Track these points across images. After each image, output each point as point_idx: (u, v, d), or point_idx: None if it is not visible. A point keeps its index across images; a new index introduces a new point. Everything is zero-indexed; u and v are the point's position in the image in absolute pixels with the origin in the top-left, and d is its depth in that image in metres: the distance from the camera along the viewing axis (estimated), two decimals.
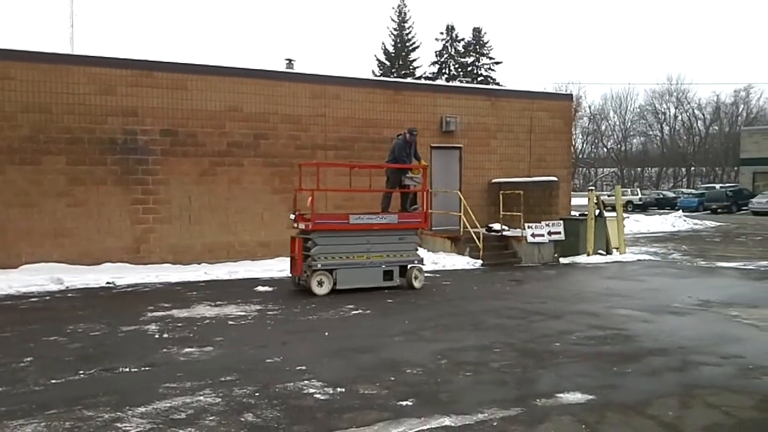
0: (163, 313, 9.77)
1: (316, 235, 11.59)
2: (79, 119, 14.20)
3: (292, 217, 12.08)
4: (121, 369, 6.78)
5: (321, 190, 12.33)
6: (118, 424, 5.14)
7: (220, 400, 5.75)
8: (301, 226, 11.86)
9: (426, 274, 12.92)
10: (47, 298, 11.32)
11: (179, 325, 8.99)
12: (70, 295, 11.66)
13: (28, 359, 7.12)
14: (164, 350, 7.57)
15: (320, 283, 11.45)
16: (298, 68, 20.76)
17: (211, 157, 15.55)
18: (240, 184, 15.95)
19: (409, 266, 12.34)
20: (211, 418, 5.30)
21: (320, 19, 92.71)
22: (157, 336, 8.32)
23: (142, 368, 6.82)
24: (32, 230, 13.80)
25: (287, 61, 21.04)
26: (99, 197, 14.37)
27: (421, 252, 16.70)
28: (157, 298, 11.13)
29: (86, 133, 14.27)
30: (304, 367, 6.79)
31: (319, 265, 11.47)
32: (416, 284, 12.28)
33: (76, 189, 14.19)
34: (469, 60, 61.23)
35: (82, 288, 12.26)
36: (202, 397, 5.81)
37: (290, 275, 12.35)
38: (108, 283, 12.75)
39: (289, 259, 12.42)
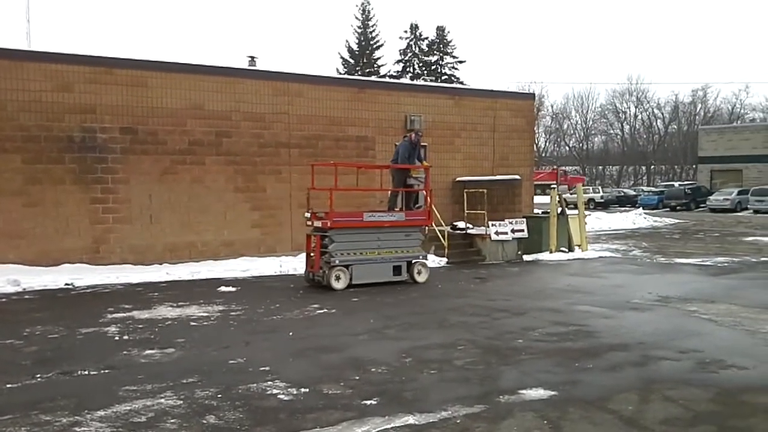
0: (124, 315, 9.59)
1: (333, 233, 12.11)
2: (35, 117, 13.85)
3: (307, 215, 12.58)
4: (79, 372, 6.64)
5: (338, 190, 12.93)
6: (77, 429, 5.04)
7: (181, 402, 5.67)
8: (317, 224, 12.38)
9: None
10: (3, 300, 11.03)
11: (140, 326, 8.83)
12: (27, 297, 11.38)
13: None
14: (124, 352, 7.43)
15: (338, 278, 11.98)
16: (260, 65, 20.55)
17: (173, 155, 15.32)
18: (202, 182, 15.74)
19: (413, 261, 12.87)
20: (172, 420, 5.22)
21: (283, 16, 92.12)
22: (117, 338, 8.16)
23: (102, 371, 6.69)
24: None
25: (250, 59, 20.79)
26: (57, 196, 14.04)
27: None
28: (117, 300, 10.92)
29: (43, 131, 13.92)
30: (267, 368, 6.73)
31: (336, 261, 12.00)
32: (419, 279, 12.84)
33: (32, 188, 13.84)
34: (433, 59, 61.50)
35: (39, 290, 11.97)
36: (163, 400, 5.72)
37: (305, 272, 12.80)
38: (66, 284, 12.47)
39: (253, 259, 12.41)
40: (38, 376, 6.50)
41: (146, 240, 15.00)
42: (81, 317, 9.38)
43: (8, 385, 6.17)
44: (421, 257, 13.06)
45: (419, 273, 12.92)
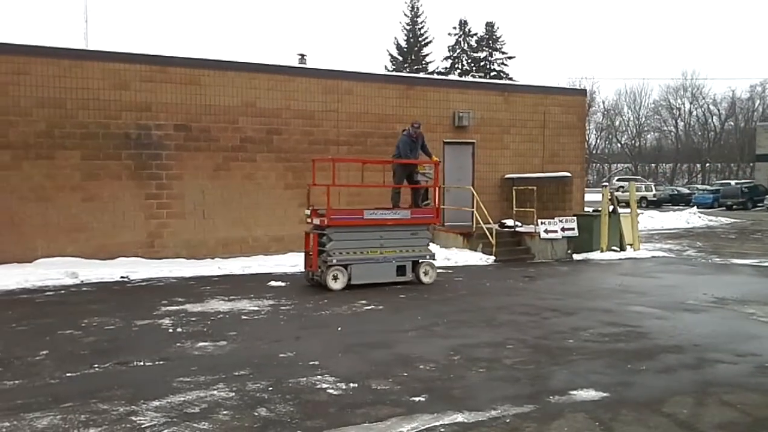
0: (177, 308, 9.82)
1: (331, 231, 11.62)
2: (94, 114, 14.29)
3: (308, 212, 12.11)
4: (135, 363, 6.82)
5: (336, 186, 12.34)
6: (133, 418, 5.17)
7: (233, 394, 5.78)
8: (316, 221, 11.89)
9: (438, 270, 12.91)
10: (62, 292, 11.41)
11: (193, 319, 9.04)
12: (85, 289, 11.74)
13: (44, 353, 7.18)
14: (178, 344, 7.61)
15: (335, 278, 11.49)
16: (310, 63, 20.75)
17: (225, 152, 15.60)
18: (253, 179, 15.99)
19: (420, 261, 12.36)
20: (225, 412, 5.33)
21: (333, 14, 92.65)
22: (171, 330, 8.36)
23: (157, 362, 6.86)
24: (48, 224, 13.91)
25: (300, 57, 21.02)
26: (113, 192, 14.46)
27: (433, 248, 16.72)
28: (171, 293, 11.19)
29: (101, 128, 14.35)
30: (317, 362, 6.80)
31: (334, 261, 11.51)
32: (426, 279, 12.29)
33: (90, 184, 14.28)
34: (482, 55, 61.06)
35: (96, 282, 12.34)
36: (215, 392, 5.83)
37: (304, 270, 12.37)
38: (122, 277, 12.83)
39: (303, 254, 12.42)
40: (96, 366, 6.70)
41: (199, 235, 15.32)
42: (136, 309, 9.64)
43: (68, 374, 6.39)
44: (428, 257, 12.48)
45: (426, 274, 12.36)
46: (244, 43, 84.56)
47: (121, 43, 76.25)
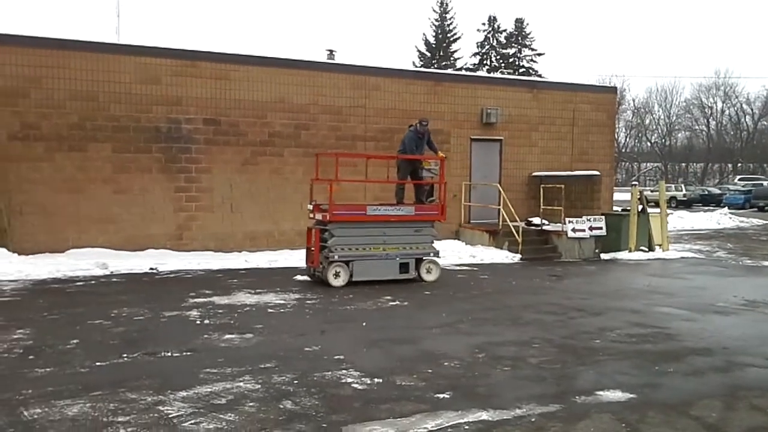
0: (205, 300, 9.94)
1: (333, 226, 11.53)
2: (125, 108, 14.48)
3: (310, 207, 12.02)
4: (163, 353, 6.92)
5: (338, 181, 12.09)
6: (161, 408, 5.25)
7: (259, 386, 5.83)
8: (318, 217, 11.80)
9: (463, 268, 12.91)
10: (93, 282, 11.60)
11: (220, 311, 9.13)
12: (114, 279, 11.93)
13: (75, 341, 7.32)
14: (205, 336, 7.70)
15: (337, 275, 11.39)
16: (339, 59, 20.79)
17: (253, 146, 15.72)
18: (281, 174, 16.08)
19: (424, 259, 12.21)
20: (251, 404, 5.38)
21: (362, 10, 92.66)
22: (198, 322, 8.47)
23: (184, 353, 6.95)
24: (79, 216, 14.15)
25: (328, 52, 21.08)
26: (143, 184, 14.66)
27: (459, 245, 16.76)
28: (198, 285, 11.31)
29: (132, 121, 14.55)
30: (341, 357, 6.84)
31: (336, 257, 11.39)
32: (428, 278, 12.14)
33: (121, 176, 14.49)
34: (511, 51, 60.66)
35: (126, 273, 12.53)
36: (242, 383, 5.90)
37: (306, 266, 12.27)
38: (151, 269, 13.01)
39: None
40: (125, 355, 6.81)
41: (227, 228, 15.46)
42: (164, 301, 9.78)
43: (97, 363, 6.50)
44: (431, 254, 12.31)
45: (429, 271, 12.21)
46: (274, 38, 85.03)
47: (151, 37, 77.15)
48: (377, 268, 11.78)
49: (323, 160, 13.18)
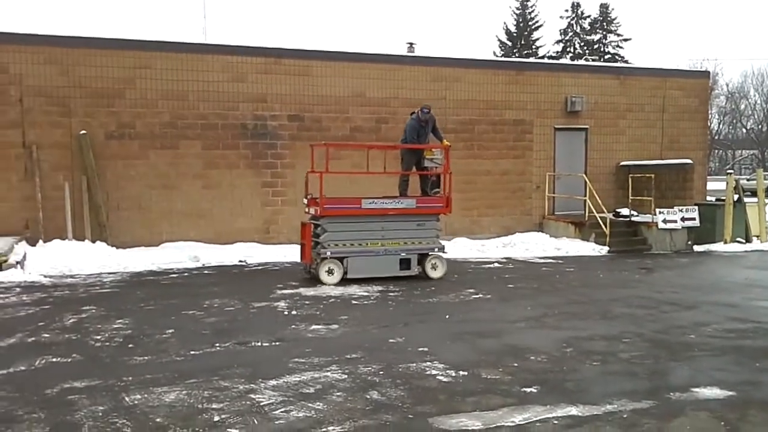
0: (292, 291, 10.17)
1: (325, 221, 11.00)
2: (213, 105, 14.98)
3: (305, 201, 11.49)
4: (253, 343, 7.14)
5: (329, 173, 11.48)
6: (252, 396, 5.42)
7: (346, 376, 5.93)
8: (312, 211, 11.27)
9: (548, 260, 12.67)
10: (185, 274, 12.08)
11: (306, 302, 9.33)
12: (206, 272, 12.38)
13: (170, 331, 7.64)
14: (293, 326, 7.88)
15: (330, 272, 10.87)
16: (419, 52, 20.75)
17: (335, 141, 15.92)
18: (362, 167, 16.18)
19: (428, 254, 11.58)
20: (338, 393, 5.48)
21: (442, 1, 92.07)
22: (286, 313, 8.68)
23: (273, 343, 7.14)
24: (172, 211, 14.75)
25: (408, 45, 21.08)
26: (232, 180, 15.12)
27: (543, 237, 16.45)
28: (285, 277, 11.58)
29: (220, 119, 15.03)
30: (426, 349, 6.85)
31: (328, 253, 10.88)
32: (434, 274, 11.51)
33: (210, 172, 15.00)
34: (596, 37, 58.86)
35: (216, 266, 12.98)
36: (329, 373, 6.01)
37: (301, 263, 11.77)
38: (240, 261, 13.42)
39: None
40: (217, 345, 7.06)
41: None
42: (253, 292, 10.07)
43: (192, 352, 6.77)
44: (436, 249, 11.59)
45: (434, 268, 11.53)
46: (355, 32, 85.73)
47: (236, 36, 79.35)
48: (375, 264, 11.17)
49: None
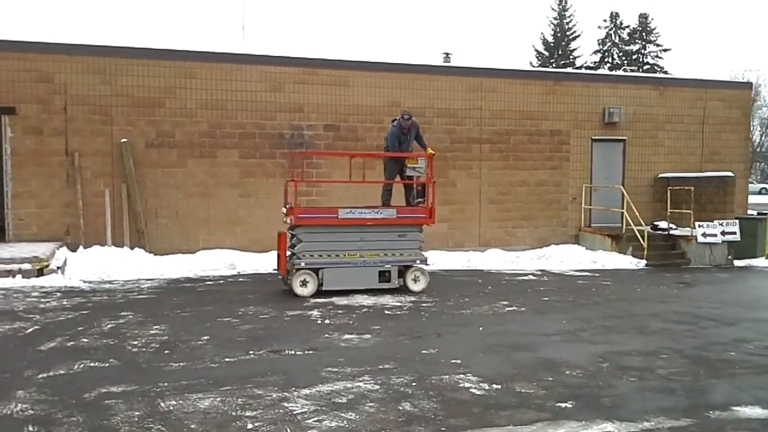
0: (325, 300, 10.20)
1: (300, 231, 10.66)
2: (251, 115, 15.17)
3: (284, 210, 11.19)
4: (286, 351, 7.17)
5: (303, 181, 11.29)
6: (285, 404, 5.44)
7: (378, 387, 5.92)
8: (288, 220, 10.96)
9: (584, 273, 12.51)
10: (221, 281, 12.22)
11: (339, 312, 9.36)
12: (241, 279, 12.51)
13: (205, 338, 7.72)
14: (326, 335, 7.91)
15: (304, 284, 10.56)
16: (455, 62, 20.78)
17: (370, 151, 15.97)
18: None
19: (410, 267, 11.17)
20: (370, 404, 5.47)
21: (477, 10, 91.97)
22: (319, 321, 8.71)
23: (306, 352, 7.17)
24: (209, 218, 14.96)
25: (444, 55, 21.15)
26: (267, 189, 15.26)
27: (579, 249, 16.25)
28: None
29: (257, 128, 15.22)
30: (459, 361, 6.81)
31: (302, 264, 10.55)
32: (415, 287, 11.09)
33: (247, 180, 15.18)
34: (634, 48, 58.12)
35: (251, 273, 13.10)
36: (361, 383, 6.01)
37: (276, 273, 11.63)
38: (275, 269, 13.49)
39: (440, 252, 12.29)
40: (251, 352, 7.12)
41: None
42: (287, 301, 10.14)
43: (226, 359, 6.83)
44: (418, 261, 11.18)
45: (416, 280, 11.11)
46: (391, 42, 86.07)
47: (273, 46, 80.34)
48: (352, 276, 10.80)
49: (438, 164, 13.12)
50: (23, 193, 13.85)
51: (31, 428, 4.83)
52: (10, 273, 11.08)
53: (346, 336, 7.88)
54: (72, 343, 7.36)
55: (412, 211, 11.39)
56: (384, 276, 10.97)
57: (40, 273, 11.30)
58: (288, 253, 10.91)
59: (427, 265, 11.42)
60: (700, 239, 15.47)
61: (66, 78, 14.02)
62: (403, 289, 11.07)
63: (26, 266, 11.27)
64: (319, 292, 10.61)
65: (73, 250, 13.36)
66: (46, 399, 5.47)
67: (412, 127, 11.62)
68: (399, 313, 9.44)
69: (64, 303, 9.62)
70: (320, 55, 16.30)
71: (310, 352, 7.17)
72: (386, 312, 9.45)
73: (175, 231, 14.66)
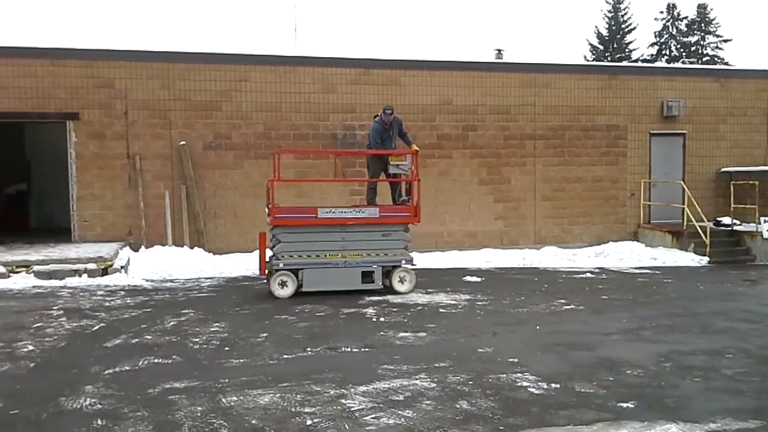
0: (380, 298, 10.25)
1: (278, 231, 10.47)
2: (305, 116, 15.35)
3: (267, 210, 10.92)
4: (343, 348, 7.24)
5: (280, 181, 11.23)
6: (343, 401, 5.49)
7: (435, 385, 5.91)
8: (268, 220, 10.76)
9: (644, 271, 12.23)
10: None
11: (394, 310, 9.39)
12: None
13: (264, 335, 7.85)
14: (381, 333, 7.94)
15: (283, 284, 10.35)
16: (507, 58, 20.57)
17: (423, 149, 15.91)
18: (448, 175, 16.20)
19: (395, 267, 10.78)
20: (427, 402, 5.48)
21: (529, 5, 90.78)
22: (374, 319, 8.76)
23: (362, 349, 7.22)
24: (264, 219, 15.14)
25: (497, 52, 20.92)
26: (322, 189, 15.41)
27: (638, 246, 15.89)
28: None
29: (311, 129, 15.39)
30: (516, 360, 6.74)
31: (281, 264, 10.35)
32: (402, 288, 10.70)
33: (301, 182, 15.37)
34: (693, 39, 56.36)
35: None
36: (418, 381, 6.01)
37: (258, 275, 11.41)
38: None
39: (497, 250, 12.20)
40: (308, 349, 7.20)
41: None
42: (343, 298, 10.19)
43: (284, 356, 6.93)
44: (404, 262, 10.75)
45: (402, 281, 10.71)
46: (442, 41, 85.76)
47: (325, 48, 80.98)
48: (333, 277, 10.53)
49: (491, 161, 13.01)
50: (87, 196, 14.36)
51: (99, 422, 5.01)
52: (77, 272, 11.50)
53: (402, 334, 7.90)
54: (136, 340, 7.59)
55: (396, 210, 11.08)
56: (367, 276, 10.67)
57: (105, 272, 11.69)
58: (268, 253, 10.75)
59: (413, 264, 11.00)
60: (766, 235, 14.93)
61: (126, 83, 14.46)
62: (458, 287, 11.03)
63: (91, 266, 11.68)
64: (384, 290, 10.64)
65: (136, 250, 13.78)
66: (112, 394, 5.66)
67: (395, 123, 11.36)
68: (454, 311, 9.41)
69: (128, 301, 9.93)
70: (371, 55, 16.39)
71: (366, 349, 7.22)
72: (441, 310, 9.43)
73: (233, 231, 14.95)
